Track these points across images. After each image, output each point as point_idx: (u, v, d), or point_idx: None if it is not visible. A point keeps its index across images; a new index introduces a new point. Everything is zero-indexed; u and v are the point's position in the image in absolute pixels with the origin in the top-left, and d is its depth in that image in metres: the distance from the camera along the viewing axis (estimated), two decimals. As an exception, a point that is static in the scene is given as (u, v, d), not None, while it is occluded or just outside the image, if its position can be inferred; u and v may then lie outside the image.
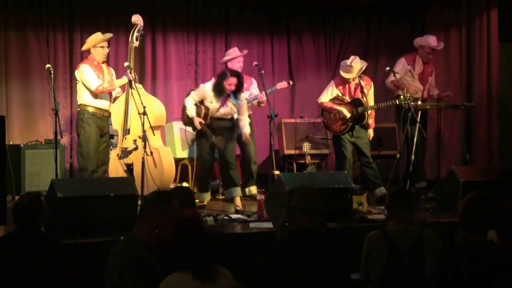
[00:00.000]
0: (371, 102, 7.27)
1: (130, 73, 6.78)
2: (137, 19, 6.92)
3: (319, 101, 7.41)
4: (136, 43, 6.93)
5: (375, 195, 7.06)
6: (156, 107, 7.05)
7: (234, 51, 7.63)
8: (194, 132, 6.94)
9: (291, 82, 7.77)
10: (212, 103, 6.70)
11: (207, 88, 6.76)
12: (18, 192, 7.16)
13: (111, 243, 4.10)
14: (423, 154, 7.73)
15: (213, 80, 6.84)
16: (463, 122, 8.86)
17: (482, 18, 8.93)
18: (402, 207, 4.05)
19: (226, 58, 7.62)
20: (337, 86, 7.31)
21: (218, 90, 6.64)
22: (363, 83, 7.24)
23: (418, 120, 7.13)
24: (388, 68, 7.45)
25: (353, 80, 7.22)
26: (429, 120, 7.96)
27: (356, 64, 7.11)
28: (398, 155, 7.46)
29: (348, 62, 7.16)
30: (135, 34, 6.91)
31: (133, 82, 6.76)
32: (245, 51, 7.65)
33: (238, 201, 6.64)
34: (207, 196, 6.89)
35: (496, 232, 3.66)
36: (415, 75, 7.69)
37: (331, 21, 9.31)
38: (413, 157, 7.18)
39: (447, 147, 8.93)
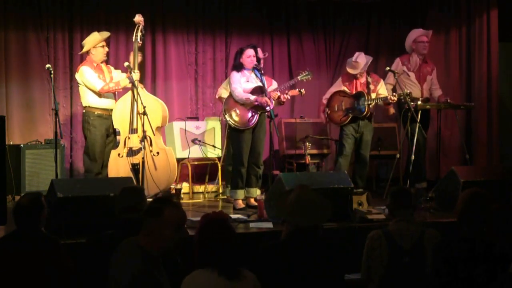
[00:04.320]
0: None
1: (131, 73, 6.79)
2: (140, 18, 6.98)
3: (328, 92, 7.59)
4: (140, 43, 6.98)
5: None
6: (161, 108, 7.06)
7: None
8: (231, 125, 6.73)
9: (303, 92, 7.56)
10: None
11: (234, 74, 6.73)
12: (18, 192, 7.15)
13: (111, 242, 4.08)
14: (423, 154, 7.72)
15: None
16: (463, 122, 8.84)
17: (482, 18, 8.91)
18: (403, 207, 4.06)
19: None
20: (344, 83, 7.44)
21: (239, 68, 6.67)
22: (370, 80, 7.33)
23: (418, 120, 7.13)
24: (388, 68, 7.46)
25: (361, 76, 7.33)
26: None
27: (361, 59, 7.29)
28: (398, 155, 7.47)
29: (353, 58, 7.36)
30: (139, 33, 6.95)
31: (136, 82, 6.79)
32: (266, 54, 7.54)
33: (253, 201, 6.75)
34: (242, 194, 6.80)
35: (489, 230, 3.67)
36: (410, 73, 7.69)
37: (331, 21, 9.32)
38: (413, 157, 7.18)
39: (447, 147, 8.92)
